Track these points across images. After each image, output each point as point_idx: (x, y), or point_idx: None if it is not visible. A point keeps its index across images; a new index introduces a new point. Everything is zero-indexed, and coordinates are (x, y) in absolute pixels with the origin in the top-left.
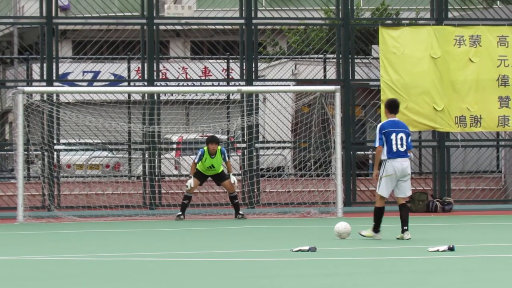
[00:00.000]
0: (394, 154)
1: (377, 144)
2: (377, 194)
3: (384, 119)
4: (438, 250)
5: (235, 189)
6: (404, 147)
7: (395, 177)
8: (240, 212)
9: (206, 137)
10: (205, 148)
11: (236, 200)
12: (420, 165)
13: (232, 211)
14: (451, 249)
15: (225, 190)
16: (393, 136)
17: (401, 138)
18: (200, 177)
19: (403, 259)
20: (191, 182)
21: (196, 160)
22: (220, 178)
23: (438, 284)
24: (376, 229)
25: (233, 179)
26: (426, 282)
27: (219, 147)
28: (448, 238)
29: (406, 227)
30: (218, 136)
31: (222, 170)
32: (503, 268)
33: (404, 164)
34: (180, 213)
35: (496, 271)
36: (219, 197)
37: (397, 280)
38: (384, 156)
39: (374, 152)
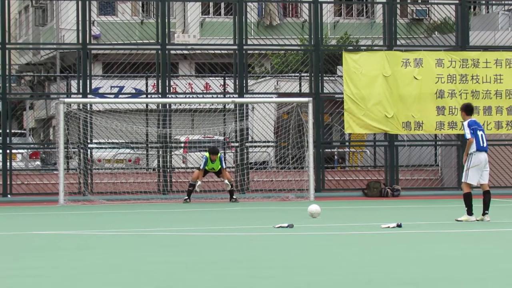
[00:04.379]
0: (480, 148)
1: (468, 136)
2: (464, 183)
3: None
4: (389, 227)
5: (227, 187)
6: (486, 143)
7: (481, 167)
8: (234, 196)
9: (208, 147)
10: (207, 155)
11: (232, 187)
12: (375, 160)
13: (227, 196)
14: (399, 226)
15: (223, 180)
16: (479, 133)
17: (482, 136)
18: (204, 171)
19: (360, 234)
20: (200, 183)
21: (201, 167)
22: (219, 172)
23: (388, 254)
24: (469, 212)
25: (226, 183)
26: (379, 252)
27: (219, 155)
28: (396, 218)
29: (487, 211)
30: (216, 136)
31: (220, 167)
32: (441, 240)
33: (486, 156)
34: (187, 197)
35: (435, 243)
36: (217, 185)
37: (355, 250)
38: (472, 149)
39: (338, 150)
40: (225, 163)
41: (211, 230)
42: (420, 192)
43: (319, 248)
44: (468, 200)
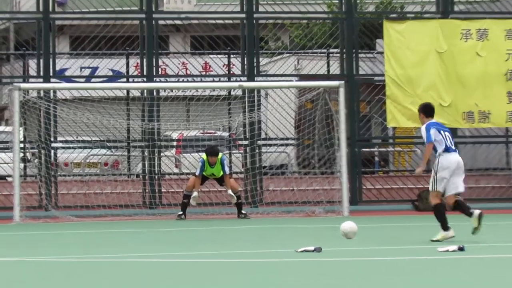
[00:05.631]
0: (449, 148)
1: (431, 139)
2: (432, 193)
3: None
4: (447, 250)
5: (232, 200)
6: (453, 145)
7: (451, 170)
8: (243, 211)
9: (207, 148)
10: (205, 157)
11: (239, 200)
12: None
13: (235, 211)
14: (461, 249)
15: (226, 190)
16: (444, 133)
17: (448, 136)
18: (201, 177)
19: (412, 260)
20: (196, 194)
21: (197, 173)
22: (221, 179)
23: (447, 285)
24: (444, 227)
25: (230, 194)
26: (435, 284)
27: (220, 156)
28: (457, 238)
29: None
30: (219, 132)
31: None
32: None
33: (459, 158)
34: (181, 212)
35: (507, 270)
36: (221, 196)
37: (405, 281)
38: (439, 149)
39: (380, 149)
40: (229, 167)
41: (213, 256)
42: (488, 205)
43: (356, 279)
44: (436, 211)
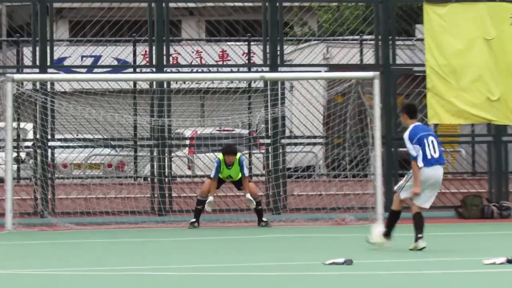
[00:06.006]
0: (427, 162)
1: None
2: (397, 196)
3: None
4: (494, 263)
5: (251, 205)
6: (439, 153)
7: (428, 185)
8: (264, 219)
9: (223, 147)
10: (221, 157)
11: (260, 206)
12: (473, 163)
13: (255, 218)
14: (510, 261)
15: (245, 194)
16: (428, 140)
17: (433, 143)
18: (218, 181)
19: (454, 274)
20: (212, 199)
21: (213, 175)
22: (239, 182)
23: None
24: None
25: (249, 198)
26: None
27: (238, 156)
28: (506, 250)
29: (420, 235)
30: (238, 130)
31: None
32: None
33: (437, 173)
34: (194, 220)
35: None
36: (239, 201)
37: None
38: (420, 164)
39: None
40: (248, 169)
41: (230, 268)
42: None
43: None
44: (390, 215)
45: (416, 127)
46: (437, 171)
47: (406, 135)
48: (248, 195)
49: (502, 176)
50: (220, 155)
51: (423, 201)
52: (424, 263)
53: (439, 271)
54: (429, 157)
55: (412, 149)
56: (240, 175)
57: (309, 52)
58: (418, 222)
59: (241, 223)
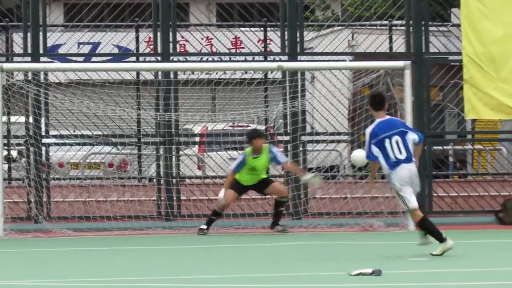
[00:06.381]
0: (392, 164)
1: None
2: (412, 211)
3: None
4: None
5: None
6: (405, 152)
7: (409, 182)
8: (280, 223)
9: (247, 132)
10: (248, 150)
11: (282, 208)
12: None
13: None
14: None
15: (269, 195)
16: (392, 141)
17: (398, 143)
18: (238, 187)
19: (493, 285)
20: (222, 194)
21: (234, 167)
22: (264, 184)
23: None
24: (440, 239)
25: (313, 180)
26: None
27: (267, 145)
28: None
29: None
30: (253, 125)
31: (267, 176)
32: None
33: (410, 168)
34: (205, 227)
35: None
36: (255, 205)
37: None
38: (384, 170)
39: (455, 147)
40: (283, 155)
41: (244, 280)
42: None
43: None
44: (426, 226)
45: (382, 123)
46: (407, 167)
47: (368, 130)
48: (305, 176)
49: None
50: (247, 149)
51: (411, 201)
52: (459, 274)
53: (476, 282)
54: (393, 159)
55: (371, 152)
56: (264, 173)
57: (332, 39)
58: (429, 228)
59: (258, 229)
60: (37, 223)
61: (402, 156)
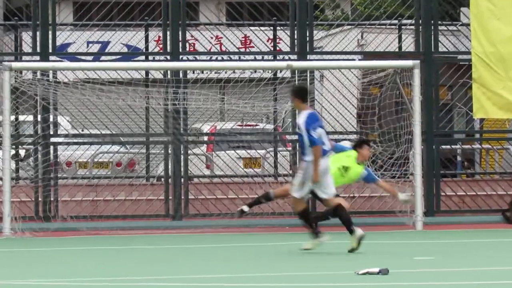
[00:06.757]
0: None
1: (315, 143)
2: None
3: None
4: None
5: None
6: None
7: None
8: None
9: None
10: (355, 152)
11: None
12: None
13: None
14: None
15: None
16: (319, 132)
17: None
18: None
19: (499, 284)
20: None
21: (335, 144)
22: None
23: None
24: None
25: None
26: None
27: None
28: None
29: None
30: (262, 124)
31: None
32: None
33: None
34: (247, 208)
35: None
36: (282, 204)
37: None
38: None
39: (463, 147)
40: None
41: (253, 279)
42: None
43: None
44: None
45: (313, 115)
46: (326, 163)
47: (302, 122)
48: (402, 197)
49: None
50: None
51: (302, 191)
52: (466, 273)
53: (483, 281)
54: (326, 148)
55: (315, 134)
56: (349, 180)
57: (342, 38)
58: (343, 216)
59: (283, 229)
60: (44, 222)
61: (326, 147)
